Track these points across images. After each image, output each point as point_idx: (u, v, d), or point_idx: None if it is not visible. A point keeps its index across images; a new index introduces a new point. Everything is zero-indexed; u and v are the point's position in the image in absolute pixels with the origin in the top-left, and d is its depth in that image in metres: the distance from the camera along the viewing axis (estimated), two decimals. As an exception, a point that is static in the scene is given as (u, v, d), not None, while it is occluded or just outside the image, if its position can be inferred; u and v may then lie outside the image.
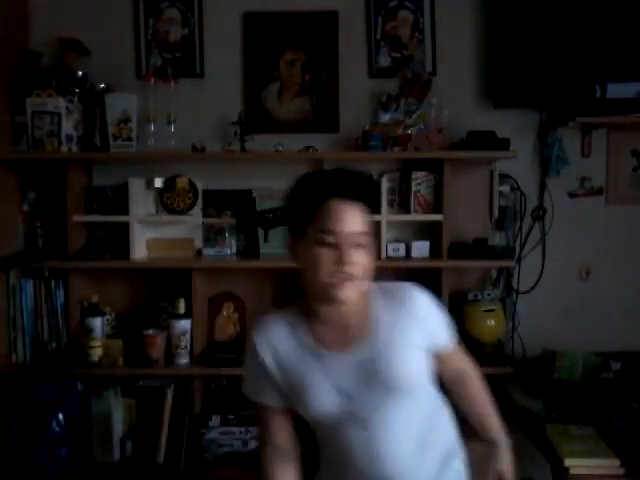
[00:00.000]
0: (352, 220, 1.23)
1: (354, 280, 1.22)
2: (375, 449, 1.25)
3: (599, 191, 2.67)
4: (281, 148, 2.51)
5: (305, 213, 1.25)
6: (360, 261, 1.23)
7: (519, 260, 2.64)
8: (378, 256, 2.49)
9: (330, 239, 1.21)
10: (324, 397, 1.25)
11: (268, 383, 1.31)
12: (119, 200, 2.56)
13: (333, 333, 1.29)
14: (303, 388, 1.27)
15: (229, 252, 2.57)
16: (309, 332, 1.30)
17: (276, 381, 1.30)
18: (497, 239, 2.66)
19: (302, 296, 1.31)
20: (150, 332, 2.50)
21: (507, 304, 2.64)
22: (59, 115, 2.43)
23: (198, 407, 2.49)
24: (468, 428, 1.46)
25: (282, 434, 1.35)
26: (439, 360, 1.38)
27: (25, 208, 2.63)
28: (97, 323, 2.50)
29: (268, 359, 1.30)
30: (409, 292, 1.34)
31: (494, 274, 2.68)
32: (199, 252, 2.60)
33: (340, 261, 1.20)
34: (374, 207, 1.32)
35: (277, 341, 1.30)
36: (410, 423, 1.28)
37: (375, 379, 1.25)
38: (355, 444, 1.26)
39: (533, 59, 2.46)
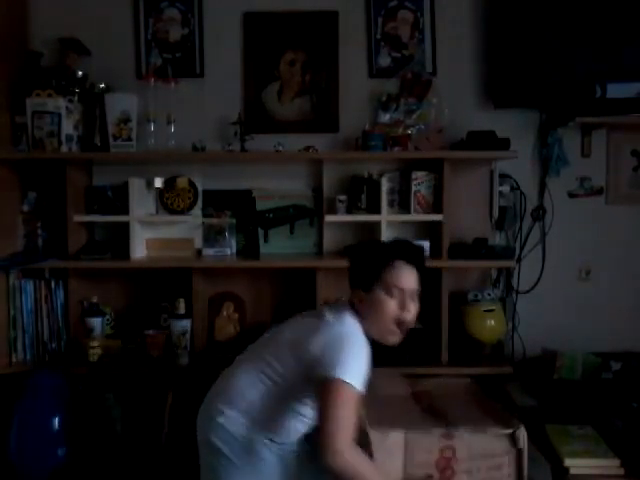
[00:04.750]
0: (412, 279, 1.61)
1: (407, 330, 1.61)
2: None
3: (599, 191, 2.67)
4: (281, 148, 2.51)
5: (374, 273, 1.60)
6: (414, 311, 1.61)
7: (519, 260, 2.64)
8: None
9: (396, 293, 1.58)
10: None
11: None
12: (119, 200, 2.56)
13: None
14: None
15: (229, 252, 2.58)
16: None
17: None
18: (497, 239, 2.66)
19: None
20: (150, 332, 2.51)
21: (507, 304, 2.64)
22: (59, 115, 2.43)
23: (198, 407, 2.49)
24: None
25: None
26: None
27: (25, 208, 2.63)
28: (97, 323, 2.50)
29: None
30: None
31: (494, 274, 2.68)
32: (199, 252, 2.61)
33: (403, 309, 1.58)
34: (423, 271, 1.65)
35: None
36: None
37: None
38: None
39: (533, 59, 2.46)
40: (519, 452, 1.57)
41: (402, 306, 1.58)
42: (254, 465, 1.59)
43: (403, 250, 1.64)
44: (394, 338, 1.60)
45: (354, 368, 1.48)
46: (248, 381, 1.62)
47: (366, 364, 1.51)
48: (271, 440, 1.59)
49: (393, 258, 1.60)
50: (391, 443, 1.62)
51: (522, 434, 1.55)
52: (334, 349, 1.50)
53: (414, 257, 1.63)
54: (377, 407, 1.82)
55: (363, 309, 1.61)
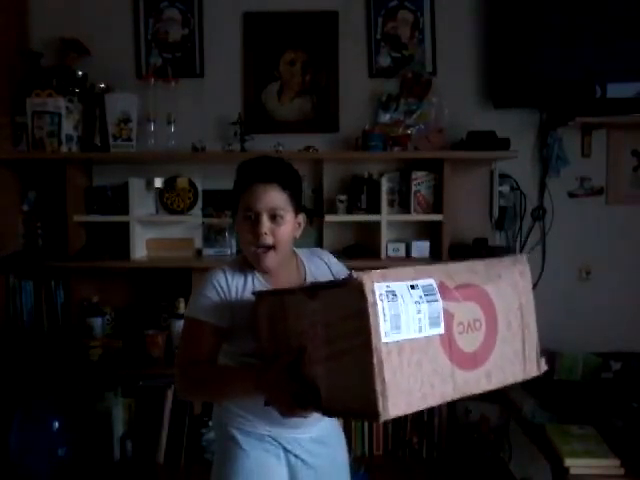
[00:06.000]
0: (267, 198, 1.42)
1: (271, 251, 1.43)
2: None
3: (599, 191, 2.67)
4: (281, 148, 2.51)
5: (236, 198, 1.47)
6: (276, 231, 1.43)
7: (519, 260, 2.64)
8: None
9: (250, 214, 1.43)
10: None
11: (222, 306, 1.42)
12: (119, 200, 2.56)
13: (280, 284, 1.48)
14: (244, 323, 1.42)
15: (229, 252, 2.58)
16: (262, 279, 1.48)
17: (228, 308, 1.43)
18: (497, 239, 2.66)
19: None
20: (150, 332, 2.51)
21: (507, 304, 2.64)
22: (59, 115, 2.43)
23: (198, 407, 2.49)
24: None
25: (212, 356, 1.43)
26: None
27: (25, 208, 2.63)
28: (97, 323, 2.51)
29: (226, 287, 1.44)
30: (325, 253, 1.64)
31: (494, 274, 2.67)
32: (199, 252, 2.61)
33: (256, 232, 1.41)
34: (292, 187, 1.46)
35: (234, 277, 1.47)
36: None
37: None
38: None
39: (533, 59, 2.47)
40: (371, 310, 1.03)
41: (255, 228, 1.42)
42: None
43: (256, 171, 1.46)
44: (260, 263, 1.44)
45: (194, 301, 1.44)
46: None
47: (212, 290, 1.43)
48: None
49: (248, 182, 1.44)
50: (273, 308, 1.36)
51: (369, 286, 1.02)
52: None
53: (270, 175, 1.44)
54: None
55: (238, 237, 1.52)
